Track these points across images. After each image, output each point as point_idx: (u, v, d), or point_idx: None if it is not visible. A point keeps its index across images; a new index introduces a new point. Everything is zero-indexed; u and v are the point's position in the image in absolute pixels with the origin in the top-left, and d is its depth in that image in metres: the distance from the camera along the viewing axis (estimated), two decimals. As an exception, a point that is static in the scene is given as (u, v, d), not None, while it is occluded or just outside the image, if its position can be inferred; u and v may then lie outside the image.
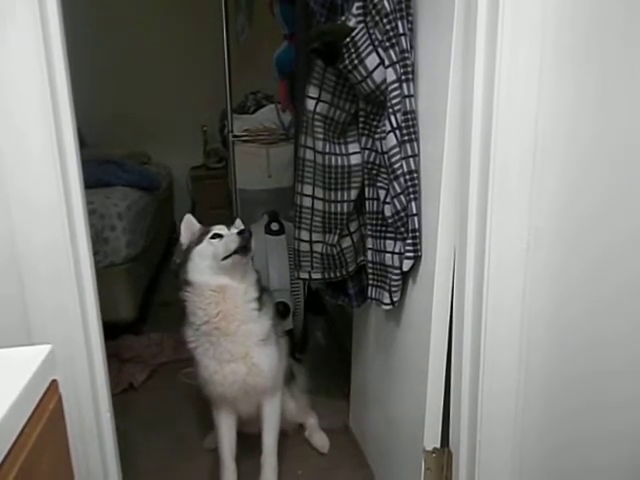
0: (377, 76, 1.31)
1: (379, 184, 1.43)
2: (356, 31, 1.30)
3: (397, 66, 1.27)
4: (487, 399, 1.15)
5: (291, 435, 1.92)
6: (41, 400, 0.73)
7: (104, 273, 2.38)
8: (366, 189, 1.49)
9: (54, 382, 0.78)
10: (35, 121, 1.11)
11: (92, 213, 2.42)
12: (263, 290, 1.61)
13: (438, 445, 1.32)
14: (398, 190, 1.32)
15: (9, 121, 1.10)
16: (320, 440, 1.94)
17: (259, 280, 1.59)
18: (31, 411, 0.69)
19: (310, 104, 1.47)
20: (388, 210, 1.38)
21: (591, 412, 1.19)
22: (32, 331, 1.18)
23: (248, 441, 1.77)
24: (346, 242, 1.59)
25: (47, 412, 0.74)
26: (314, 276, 1.65)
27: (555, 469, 1.23)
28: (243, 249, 1.46)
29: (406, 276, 1.38)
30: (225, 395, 1.61)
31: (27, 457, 0.65)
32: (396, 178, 1.32)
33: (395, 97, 1.29)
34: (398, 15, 1.25)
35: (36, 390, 0.72)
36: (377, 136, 1.42)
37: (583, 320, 1.14)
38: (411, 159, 1.29)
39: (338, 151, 1.49)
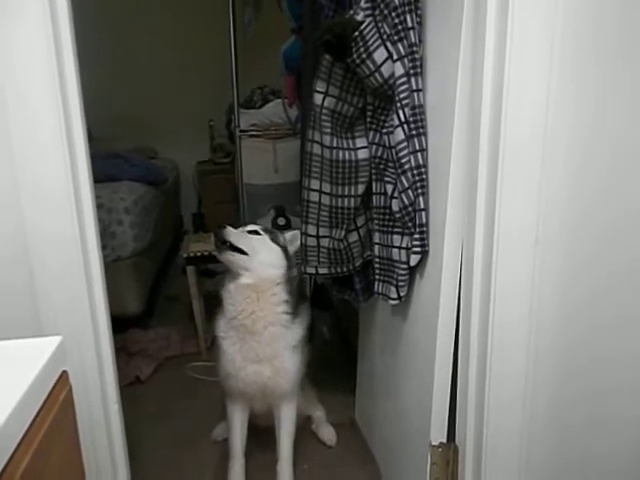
0: (385, 70, 1.31)
1: (387, 179, 1.43)
2: (364, 25, 1.30)
3: (405, 60, 1.27)
4: (494, 390, 1.15)
5: (298, 429, 1.92)
6: (52, 390, 0.74)
7: (111, 267, 2.38)
8: (373, 184, 1.49)
9: (64, 373, 0.79)
10: (45, 115, 1.12)
11: (99, 207, 2.40)
12: (302, 297, 1.62)
13: (444, 440, 1.32)
14: (406, 185, 1.31)
15: (20, 116, 1.11)
16: (327, 433, 1.94)
17: (290, 281, 1.58)
18: (42, 401, 0.70)
19: (318, 98, 1.47)
20: (395, 205, 1.38)
21: (599, 398, 1.19)
22: (42, 323, 1.20)
23: (257, 436, 1.78)
24: (353, 237, 1.59)
25: (58, 402, 0.75)
26: (321, 271, 1.65)
27: (563, 457, 1.22)
28: (219, 245, 1.55)
29: (413, 271, 1.38)
30: (245, 391, 1.63)
31: (38, 446, 0.65)
32: (404, 173, 1.32)
33: (403, 91, 1.28)
34: (407, 9, 1.25)
35: (47, 381, 0.73)
36: (385, 130, 1.41)
37: (589, 305, 1.14)
38: (419, 153, 1.29)
39: (345, 145, 1.49)
